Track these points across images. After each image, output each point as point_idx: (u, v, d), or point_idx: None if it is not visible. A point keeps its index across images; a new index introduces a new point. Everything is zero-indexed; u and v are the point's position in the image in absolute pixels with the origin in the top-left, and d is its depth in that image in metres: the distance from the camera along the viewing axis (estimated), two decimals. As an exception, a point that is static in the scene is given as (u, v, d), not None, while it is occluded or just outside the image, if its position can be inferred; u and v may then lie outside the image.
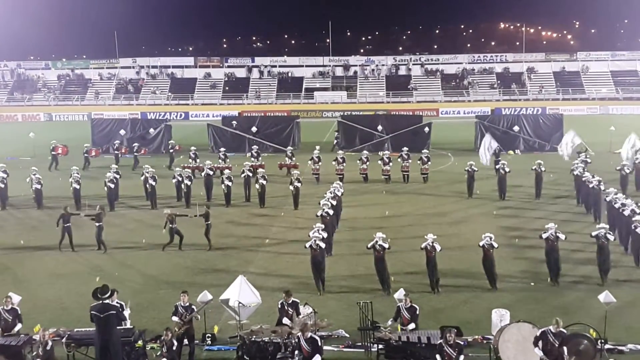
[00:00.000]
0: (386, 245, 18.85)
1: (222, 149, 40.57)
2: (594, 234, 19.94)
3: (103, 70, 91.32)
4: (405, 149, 37.16)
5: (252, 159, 38.83)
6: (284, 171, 37.48)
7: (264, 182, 30.20)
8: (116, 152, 42.91)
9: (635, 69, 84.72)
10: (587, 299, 17.48)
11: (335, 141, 48.01)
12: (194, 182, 31.92)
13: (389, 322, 15.44)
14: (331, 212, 23.14)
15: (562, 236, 19.37)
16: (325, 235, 20.02)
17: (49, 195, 31.78)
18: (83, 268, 21.95)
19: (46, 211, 30.16)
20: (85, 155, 41.55)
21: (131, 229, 26.91)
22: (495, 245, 19.00)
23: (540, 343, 13.25)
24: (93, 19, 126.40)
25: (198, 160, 38.48)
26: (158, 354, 14.35)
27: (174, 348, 13.99)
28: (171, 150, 42.39)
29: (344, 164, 35.40)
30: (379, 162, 35.81)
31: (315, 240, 19.06)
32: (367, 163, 35.91)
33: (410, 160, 36.00)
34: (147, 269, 21.85)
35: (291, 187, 29.14)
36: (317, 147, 38.01)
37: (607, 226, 20.69)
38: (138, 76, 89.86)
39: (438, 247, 18.88)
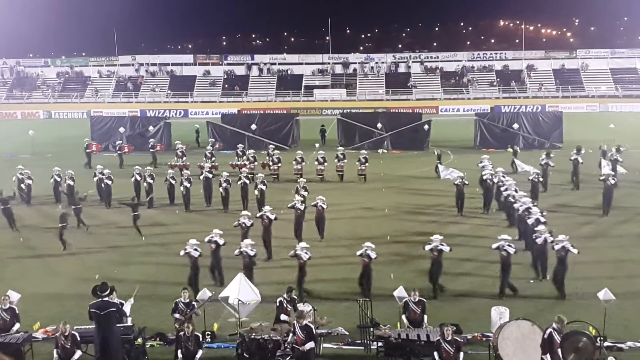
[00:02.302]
0: (306, 256, 18.50)
1: (210, 147, 39.91)
2: (494, 246, 19.02)
3: (102, 67, 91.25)
4: (340, 148, 37.19)
5: (236, 157, 37.99)
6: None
7: (264, 188, 28.32)
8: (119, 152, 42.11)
9: (635, 66, 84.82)
10: (586, 296, 17.49)
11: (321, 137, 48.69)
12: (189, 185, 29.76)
13: (403, 317, 15.49)
14: (249, 222, 21.86)
15: (446, 248, 18.62)
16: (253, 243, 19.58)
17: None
18: (82, 266, 21.94)
19: (36, 207, 30.50)
20: (119, 152, 40.96)
21: (130, 226, 26.80)
22: (373, 255, 18.43)
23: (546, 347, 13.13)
24: (92, 16, 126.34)
25: (185, 159, 37.97)
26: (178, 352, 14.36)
27: (202, 340, 14.34)
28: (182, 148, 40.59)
29: (325, 164, 35.63)
30: (315, 162, 35.82)
31: (187, 249, 18.83)
32: (325, 164, 35.80)
33: (345, 160, 35.92)
34: (146, 266, 21.85)
35: (297, 197, 25.72)
36: (316, 145, 37.92)
37: (510, 237, 19.13)
38: (137, 74, 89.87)
39: (373, 255, 18.54)
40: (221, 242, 19.67)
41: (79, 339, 13.97)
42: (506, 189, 26.15)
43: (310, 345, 13.45)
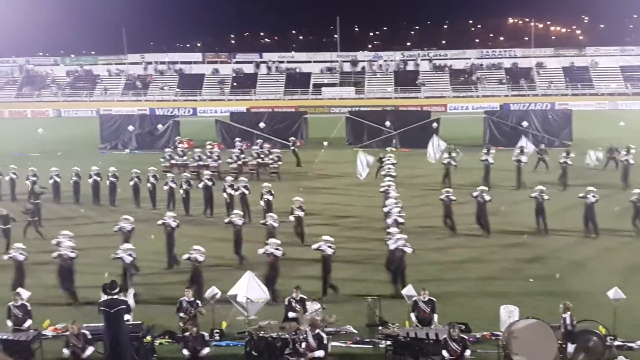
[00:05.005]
0: (330, 251, 18.61)
1: (208, 147, 39.13)
2: (314, 247, 18.97)
3: (111, 66, 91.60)
4: (276, 150, 38.13)
5: (234, 157, 37.23)
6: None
7: (270, 198, 25.98)
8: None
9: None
10: (596, 295, 17.40)
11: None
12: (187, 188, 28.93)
13: (412, 316, 15.49)
14: (174, 224, 21.61)
15: (278, 253, 18.48)
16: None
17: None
18: (91, 264, 21.95)
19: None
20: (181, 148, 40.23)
21: (139, 225, 26.78)
22: (409, 250, 18.71)
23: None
24: (101, 15, 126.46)
25: (185, 157, 37.49)
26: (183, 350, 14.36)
27: (208, 338, 14.36)
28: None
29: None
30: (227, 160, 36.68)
31: (12, 253, 18.81)
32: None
33: (280, 162, 36.78)
34: (154, 264, 21.85)
35: (291, 218, 23.91)
36: (324, 143, 37.79)
37: (331, 238, 18.93)
38: (146, 72, 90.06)
39: (330, 251, 18.58)
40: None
41: (90, 337, 14.01)
42: (388, 186, 26.14)
43: (319, 353, 13.41)
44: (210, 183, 28.71)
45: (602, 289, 16.46)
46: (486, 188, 26.05)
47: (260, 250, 18.90)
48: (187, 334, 14.25)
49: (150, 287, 19.61)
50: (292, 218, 23.88)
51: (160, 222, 22.04)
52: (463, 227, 25.38)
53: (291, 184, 34.47)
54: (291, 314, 15.40)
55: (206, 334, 14.55)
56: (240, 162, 36.77)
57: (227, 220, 22.67)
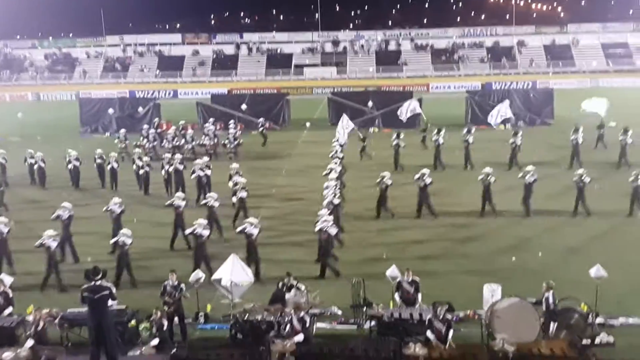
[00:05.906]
0: (255, 231, 18.66)
1: (178, 127, 39.13)
2: (238, 230, 19.19)
3: (90, 48, 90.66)
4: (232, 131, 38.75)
5: (206, 137, 38.06)
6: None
7: (244, 196, 23.73)
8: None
9: (626, 40, 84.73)
10: (578, 273, 17.53)
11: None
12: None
13: (396, 296, 15.60)
14: (118, 210, 21.36)
15: (205, 232, 18.59)
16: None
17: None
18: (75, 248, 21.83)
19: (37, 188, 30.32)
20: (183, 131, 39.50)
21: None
22: (333, 232, 19.04)
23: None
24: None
25: (127, 142, 37.19)
26: (148, 334, 14.39)
27: (165, 328, 14.08)
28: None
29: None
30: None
31: None
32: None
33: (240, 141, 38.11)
34: (137, 249, 21.70)
35: (234, 199, 23.95)
36: (307, 124, 37.75)
37: (255, 220, 19.15)
38: (125, 54, 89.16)
39: (255, 232, 18.60)
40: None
41: (46, 327, 14.15)
42: (331, 169, 26.02)
43: (299, 338, 13.47)
44: (181, 167, 28.10)
45: (585, 265, 16.57)
46: (427, 171, 24.85)
47: (188, 230, 18.92)
48: (152, 317, 14.26)
49: (135, 271, 19.47)
50: (234, 199, 23.85)
51: (105, 209, 21.84)
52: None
53: (248, 164, 33.93)
54: (288, 295, 15.40)
55: (165, 323, 14.35)
56: (194, 144, 37.05)
57: (167, 202, 22.40)
